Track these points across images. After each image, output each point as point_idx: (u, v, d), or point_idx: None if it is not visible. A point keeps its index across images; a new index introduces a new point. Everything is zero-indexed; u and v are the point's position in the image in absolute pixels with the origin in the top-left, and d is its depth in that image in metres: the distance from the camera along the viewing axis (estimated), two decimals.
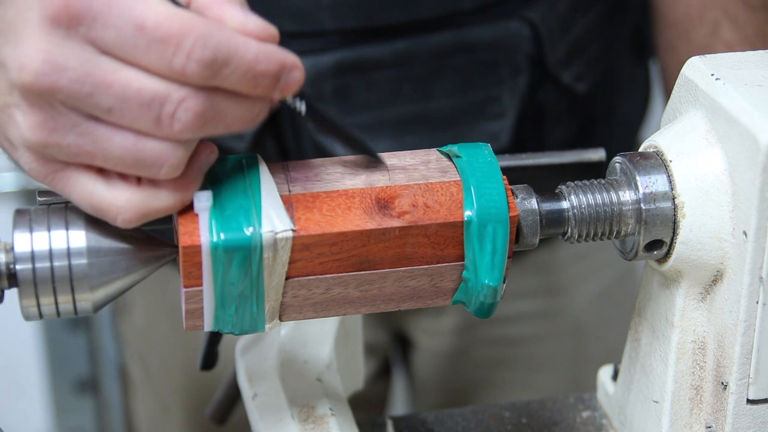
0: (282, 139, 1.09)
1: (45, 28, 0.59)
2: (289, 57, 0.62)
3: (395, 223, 0.67)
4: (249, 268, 0.65)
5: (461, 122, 1.09)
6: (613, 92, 1.22)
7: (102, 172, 0.62)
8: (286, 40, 1.05)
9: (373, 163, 0.69)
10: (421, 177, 0.69)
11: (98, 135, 0.61)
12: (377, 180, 0.68)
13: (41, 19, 0.59)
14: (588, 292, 1.28)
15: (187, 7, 0.61)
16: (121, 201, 0.62)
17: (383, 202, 0.67)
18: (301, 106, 0.65)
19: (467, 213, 0.67)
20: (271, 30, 0.62)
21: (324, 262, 0.67)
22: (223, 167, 0.67)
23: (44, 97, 0.59)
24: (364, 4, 1.05)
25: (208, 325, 0.67)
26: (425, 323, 1.27)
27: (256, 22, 0.61)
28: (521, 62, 1.09)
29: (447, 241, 0.68)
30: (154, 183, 0.63)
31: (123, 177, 0.62)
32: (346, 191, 0.67)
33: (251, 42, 0.60)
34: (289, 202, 0.66)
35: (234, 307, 0.66)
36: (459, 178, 0.68)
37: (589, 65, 1.16)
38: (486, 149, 0.70)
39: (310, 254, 0.66)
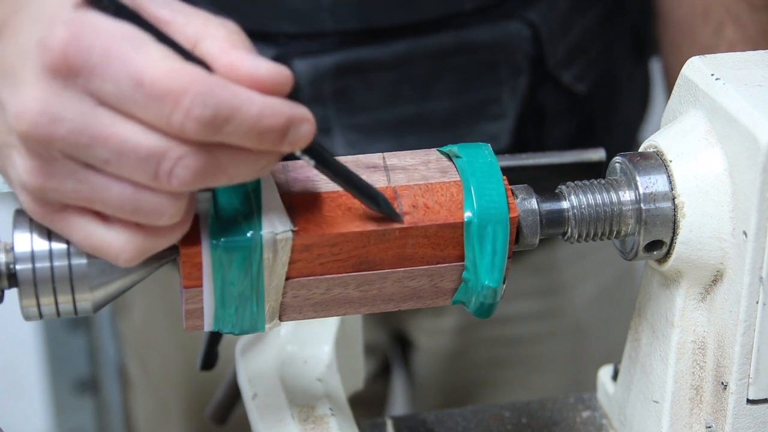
0: None
1: (43, 77, 0.57)
2: (297, 110, 0.60)
3: (395, 224, 0.67)
4: (249, 269, 0.65)
5: (461, 123, 1.09)
6: (613, 92, 1.22)
7: (100, 214, 0.61)
8: (286, 41, 1.06)
9: (382, 211, 0.67)
10: (421, 177, 0.69)
11: (96, 183, 0.59)
12: (377, 180, 0.68)
13: (40, 67, 0.57)
14: (588, 292, 1.28)
15: (193, 55, 0.59)
16: (121, 243, 0.61)
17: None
18: (310, 161, 0.63)
19: (467, 214, 0.67)
20: (284, 73, 0.59)
21: (324, 262, 0.66)
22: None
23: (41, 145, 0.58)
24: (364, 5, 1.05)
25: (208, 325, 0.67)
26: (425, 323, 1.27)
27: (268, 68, 0.59)
28: (521, 63, 1.09)
29: (447, 241, 0.68)
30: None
31: (122, 220, 0.61)
32: (347, 192, 0.67)
33: (255, 97, 0.58)
34: (289, 203, 0.66)
35: (234, 307, 0.66)
36: (459, 179, 0.68)
37: (589, 65, 1.16)
38: (486, 149, 0.70)
39: (310, 255, 0.66)
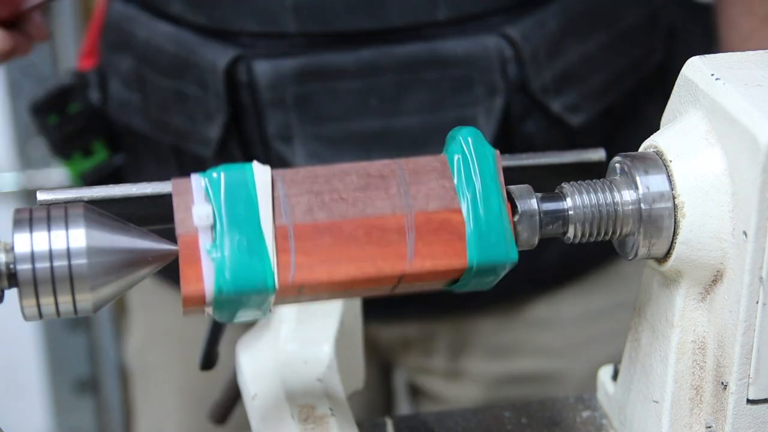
0: (247, 145, 1.06)
1: None
2: None
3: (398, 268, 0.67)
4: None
5: (433, 142, 1.02)
6: (618, 128, 1.16)
7: None
8: (249, 41, 1.05)
9: None
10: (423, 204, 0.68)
11: None
12: (381, 207, 0.68)
13: None
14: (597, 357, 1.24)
15: None
16: None
17: (385, 235, 0.67)
18: None
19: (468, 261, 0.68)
20: None
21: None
22: (219, 182, 0.66)
23: None
24: (328, 7, 1.01)
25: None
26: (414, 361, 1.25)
27: None
28: (497, 82, 1.03)
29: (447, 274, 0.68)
30: None
31: None
32: (351, 222, 0.67)
33: None
34: (286, 235, 0.66)
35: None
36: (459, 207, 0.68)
37: (588, 96, 1.09)
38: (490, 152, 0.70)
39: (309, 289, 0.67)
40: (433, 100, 1.04)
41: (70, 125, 1.14)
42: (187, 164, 1.10)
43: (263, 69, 1.03)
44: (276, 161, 1.05)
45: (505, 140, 1.05)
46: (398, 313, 1.18)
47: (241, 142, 1.06)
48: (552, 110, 1.07)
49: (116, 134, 1.18)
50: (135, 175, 1.18)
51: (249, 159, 1.05)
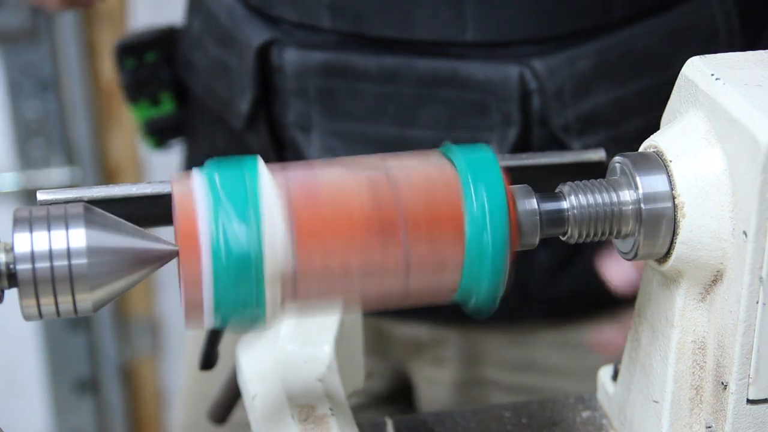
0: (273, 126, 1.09)
1: None
2: None
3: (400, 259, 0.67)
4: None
5: None
6: None
7: None
8: (288, 28, 1.07)
9: None
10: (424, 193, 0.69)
11: None
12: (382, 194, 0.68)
13: None
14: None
15: None
16: None
17: (387, 226, 0.67)
18: None
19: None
20: None
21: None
22: (219, 181, 0.66)
23: None
24: (360, 8, 1.03)
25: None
26: (426, 371, 1.25)
27: None
28: (513, 113, 1.02)
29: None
30: None
31: None
32: (350, 215, 0.67)
33: None
34: (290, 227, 0.66)
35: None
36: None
37: (617, 140, 1.05)
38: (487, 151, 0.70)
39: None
40: (448, 118, 1.04)
41: (143, 72, 1.21)
42: (228, 133, 1.15)
43: (292, 57, 1.06)
44: (291, 149, 1.08)
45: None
46: (411, 312, 1.18)
47: (268, 122, 1.10)
48: (571, 149, 1.04)
49: (183, 91, 1.24)
50: (191, 134, 1.25)
51: (274, 140, 1.09)
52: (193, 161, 1.26)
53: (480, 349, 1.21)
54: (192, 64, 1.19)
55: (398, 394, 1.32)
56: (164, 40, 1.23)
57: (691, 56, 0.92)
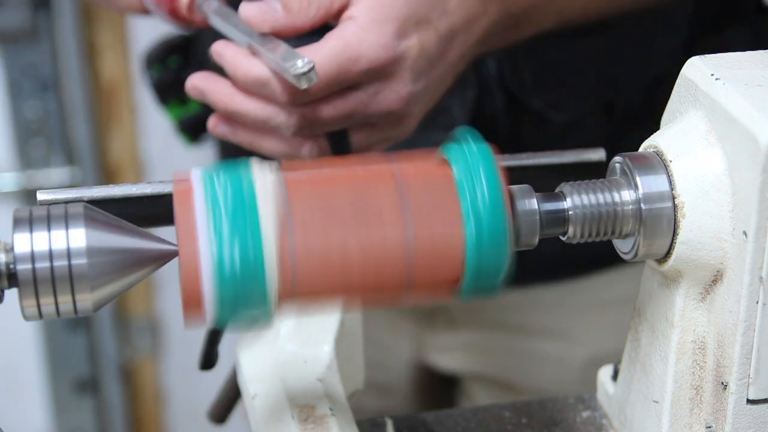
0: None
1: None
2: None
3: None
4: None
5: None
6: (621, 127, 1.16)
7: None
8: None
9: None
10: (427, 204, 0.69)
11: None
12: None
13: None
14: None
15: None
16: None
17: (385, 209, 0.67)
18: None
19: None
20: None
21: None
22: (219, 180, 0.66)
23: None
24: None
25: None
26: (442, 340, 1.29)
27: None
28: (468, 76, 1.06)
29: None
30: None
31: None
32: (348, 199, 0.67)
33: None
34: (289, 221, 0.66)
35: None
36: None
37: (575, 95, 1.12)
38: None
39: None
40: None
41: (167, 75, 1.26)
42: None
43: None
44: None
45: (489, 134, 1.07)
46: None
47: None
48: (534, 108, 1.10)
49: None
50: None
51: None
52: (224, 154, 1.30)
53: (484, 312, 1.26)
54: (212, 65, 1.20)
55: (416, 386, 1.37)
56: (184, 44, 1.27)
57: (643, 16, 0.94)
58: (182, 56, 1.27)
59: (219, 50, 0.88)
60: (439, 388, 1.37)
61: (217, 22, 0.92)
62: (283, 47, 0.83)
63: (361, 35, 0.83)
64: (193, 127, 1.27)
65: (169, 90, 1.26)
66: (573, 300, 1.25)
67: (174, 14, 0.98)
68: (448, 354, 1.31)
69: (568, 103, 1.12)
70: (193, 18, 0.98)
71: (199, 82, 0.90)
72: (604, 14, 1.05)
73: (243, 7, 0.85)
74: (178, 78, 1.25)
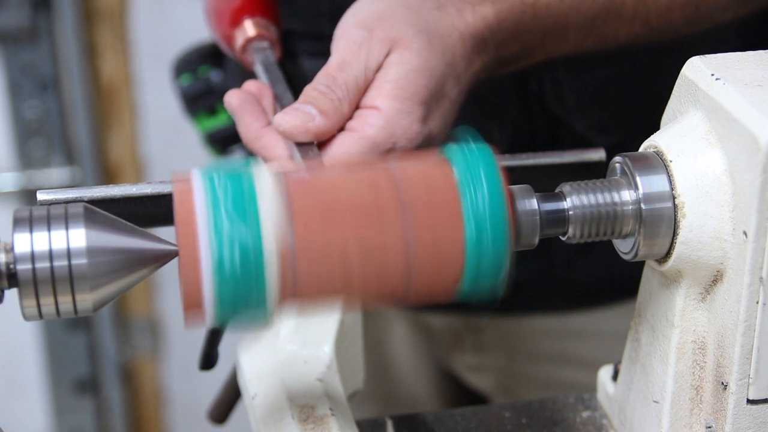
0: None
1: None
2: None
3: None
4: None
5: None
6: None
7: None
8: (298, 39, 1.08)
9: None
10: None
11: None
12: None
13: None
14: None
15: None
16: None
17: (385, 209, 0.67)
18: None
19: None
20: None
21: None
22: (219, 179, 0.66)
23: None
24: None
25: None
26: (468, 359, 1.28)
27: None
28: (510, 96, 1.06)
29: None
30: None
31: None
32: (348, 199, 0.67)
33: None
34: (289, 221, 0.66)
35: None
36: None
37: (619, 117, 1.10)
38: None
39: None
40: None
41: (197, 85, 1.23)
42: None
43: (309, 65, 1.09)
44: None
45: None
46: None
47: None
48: (578, 131, 1.08)
49: None
50: None
51: None
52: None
53: (517, 339, 1.24)
54: (231, 78, 1.21)
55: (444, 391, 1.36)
56: (218, 53, 1.24)
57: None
58: (214, 65, 1.24)
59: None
60: (466, 401, 1.37)
61: (261, 75, 0.92)
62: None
63: (388, 129, 0.81)
64: (222, 140, 1.24)
65: (198, 100, 1.24)
66: (608, 328, 1.22)
67: (232, 49, 1.00)
68: (476, 374, 1.30)
69: (611, 126, 1.10)
70: (243, 59, 0.98)
71: (234, 107, 0.87)
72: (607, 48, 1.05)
73: (280, 118, 0.82)
74: (209, 88, 1.23)
